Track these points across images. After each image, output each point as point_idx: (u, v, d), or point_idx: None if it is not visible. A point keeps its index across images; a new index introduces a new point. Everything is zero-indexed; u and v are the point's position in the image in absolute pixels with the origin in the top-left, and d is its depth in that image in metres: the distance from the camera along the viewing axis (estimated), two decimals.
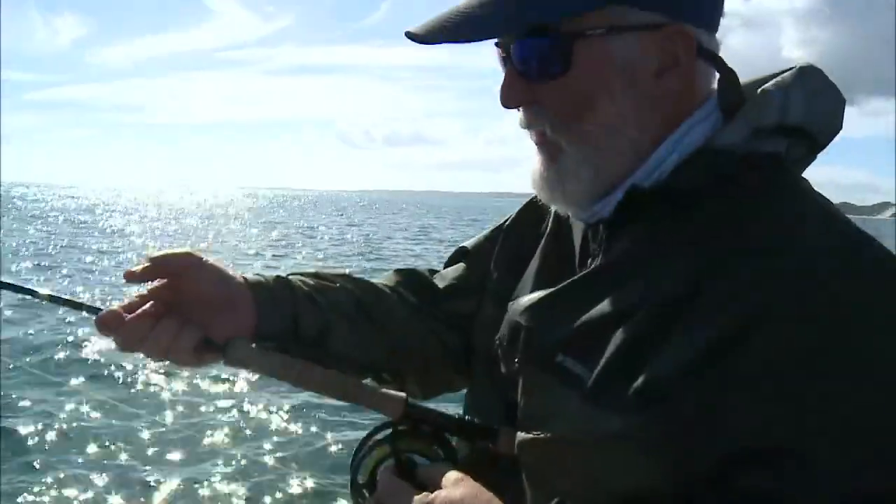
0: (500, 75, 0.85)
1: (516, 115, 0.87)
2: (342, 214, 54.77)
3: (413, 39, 0.81)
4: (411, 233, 34.68)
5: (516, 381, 0.84)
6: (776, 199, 0.75)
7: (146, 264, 0.89)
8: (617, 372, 0.72)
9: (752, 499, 0.63)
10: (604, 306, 0.77)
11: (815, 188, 0.82)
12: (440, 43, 0.80)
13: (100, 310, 0.87)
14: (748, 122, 0.78)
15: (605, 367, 0.73)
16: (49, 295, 0.92)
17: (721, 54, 0.85)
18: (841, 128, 0.82)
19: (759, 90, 0.80)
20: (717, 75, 0.84)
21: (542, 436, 0.78)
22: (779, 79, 0.81)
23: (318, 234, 30.47)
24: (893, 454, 0.62)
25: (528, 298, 0.87)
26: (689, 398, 0.67)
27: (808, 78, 0.81)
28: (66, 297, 0.91)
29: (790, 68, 0.82)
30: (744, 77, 0.84)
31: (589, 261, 0.87)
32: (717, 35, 0.85)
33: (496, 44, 0.85)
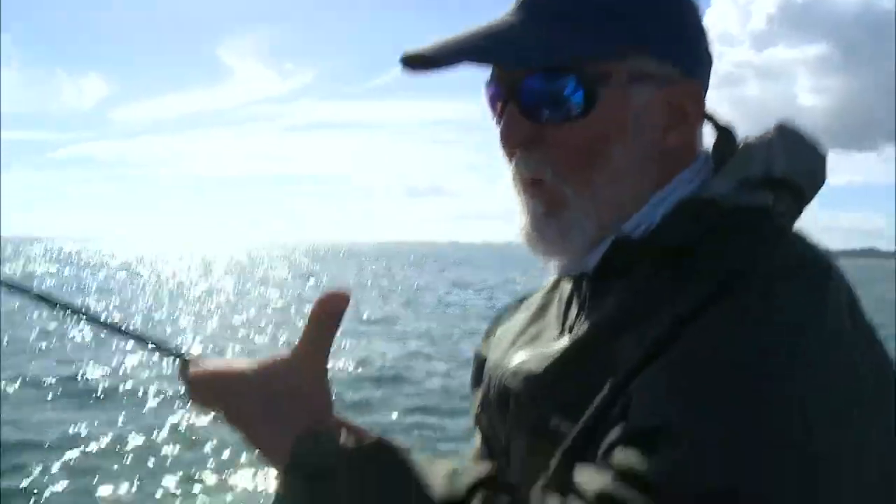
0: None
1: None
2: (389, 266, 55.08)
3: (421, 59, 0.75)
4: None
5: (506, 444, 0.82)
6: (765, 249, 0.71)
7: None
8: (596, 425, 0.67)
9: (619, 474, 0.59)
10: (596, 368, 0.71)
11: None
12: (462, 62, 0.73)
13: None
14: (735, 175, 0.77)
15: (586, 422, 0.68)
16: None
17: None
18: (825, 180, 0.81)
19: (743, 144, 0.80)
20: (705, 133, 0.82)
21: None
22: (761, 134, 0.80)
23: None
24: (762, 462, 0.56)
25: (515, 362, 0.82)
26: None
27: (788, 134, 0.80)
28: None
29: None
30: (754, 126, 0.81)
31: (574, 316, 0.83)
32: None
33: (492, 82, 0.81)
